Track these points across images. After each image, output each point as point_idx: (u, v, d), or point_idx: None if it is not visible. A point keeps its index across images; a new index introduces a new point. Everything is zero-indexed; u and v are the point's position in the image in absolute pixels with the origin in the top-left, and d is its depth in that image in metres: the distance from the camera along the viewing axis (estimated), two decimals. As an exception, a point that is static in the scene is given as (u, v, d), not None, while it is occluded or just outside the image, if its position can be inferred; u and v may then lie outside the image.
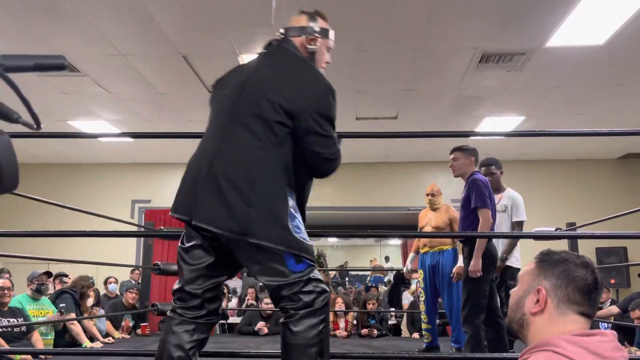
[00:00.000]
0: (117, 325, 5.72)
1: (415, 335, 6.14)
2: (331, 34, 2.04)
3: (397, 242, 14.50)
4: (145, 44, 4.66)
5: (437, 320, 4.84)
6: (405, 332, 6.50)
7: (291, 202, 1.81)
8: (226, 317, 7.09)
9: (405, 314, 6.71)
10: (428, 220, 4.75)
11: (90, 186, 8.76)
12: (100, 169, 8.88)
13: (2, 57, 0.54)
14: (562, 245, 5.75)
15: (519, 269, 4.21)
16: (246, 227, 1.71)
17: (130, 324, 5.93)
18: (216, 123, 1.93)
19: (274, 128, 1.79)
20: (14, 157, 0.54)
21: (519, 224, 4.22)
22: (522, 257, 4.63)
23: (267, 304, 6.35)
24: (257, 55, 2.02)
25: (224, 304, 7.32)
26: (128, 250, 8.16)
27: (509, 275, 4.15)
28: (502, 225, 4.21)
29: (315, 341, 1.75)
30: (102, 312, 5.77)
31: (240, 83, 1.90)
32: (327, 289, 1.85)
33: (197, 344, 1.87)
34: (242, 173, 1.75)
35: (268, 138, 1.79)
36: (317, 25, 2.00)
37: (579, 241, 6.09)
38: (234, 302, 7.85)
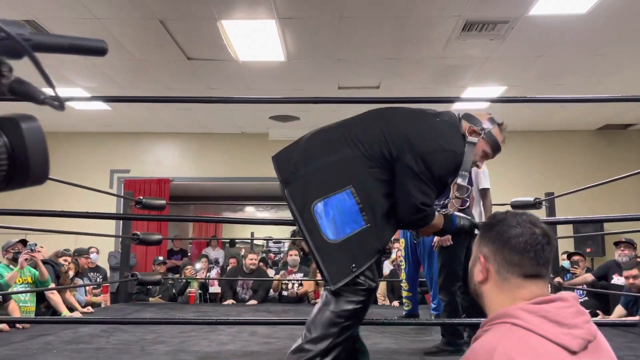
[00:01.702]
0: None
1: (395, 303, 6.23)
2: (497, 148, 2.19)
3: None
4: (121, 8, 4.51)
5: (417, 289, 4.91)
6: (380, 300, 6.58)
7: (344, 200, 1.90)
8: (206, 288, 7.10)
9: (380, 284, 6.79)
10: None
11: (67, 156, 8.60)
12: (77, 138, 8.71)
13: (30, 33, 0.50)
14: (540, 214, 5.83)
15: None
16: (289, 179, 2.00)
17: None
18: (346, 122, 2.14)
19: (379, 147, 1.96)
20: (44, 145, 0.49)
21: (485, 192, 4.19)
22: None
23: (251, 259, 6.45)
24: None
25: (204, 274, 7.32)
26: (108, 220, 8.06)
27: None
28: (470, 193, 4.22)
29: (348, 315, 1.91)
30: (83, 285, 5.73)
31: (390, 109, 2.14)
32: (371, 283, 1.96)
33: None
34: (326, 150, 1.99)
35: (368, 152, 1.96)
36: (490, 128, 2.15)
37: (558, 211, 6.19)
38: (214, 272, 7.85)
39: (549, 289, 4.45)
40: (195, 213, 13.12)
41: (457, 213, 2.26)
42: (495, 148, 2.19)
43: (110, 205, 8.18)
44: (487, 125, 2.14)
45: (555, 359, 1.01)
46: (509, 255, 1.13)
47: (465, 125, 2.11)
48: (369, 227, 1.90)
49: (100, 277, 6.46)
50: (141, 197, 4.25)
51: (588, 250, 7.44)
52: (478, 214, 4.11)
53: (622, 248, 5.08)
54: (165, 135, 8.83)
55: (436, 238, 4.31)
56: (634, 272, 4.50)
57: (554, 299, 1.09)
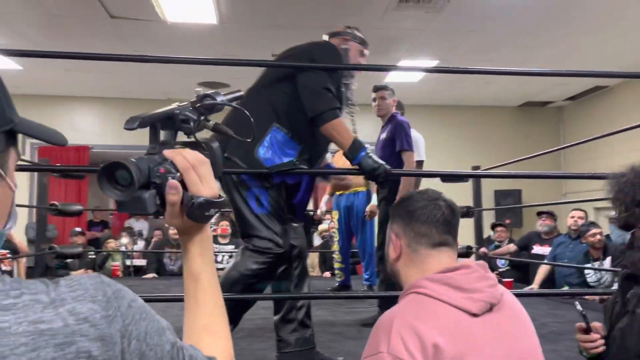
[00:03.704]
0: None
1: (327, 274, 6.26)
2: (364, 41, 2.54)
3: (306, 184, 14.62)
4: (35, -44, 4.08)
5: (350, 260, 4.93)
6: (310, 271, 6.61)
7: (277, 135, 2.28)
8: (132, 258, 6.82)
9: (310, 255, 6.81)
10: (343, 162, 4.71)
11: (-28, 119, 7.85)
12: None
13: (224, 95, 0.87)
14: (467, 188, 6.01)
15: None
16: None
17: None
18: None
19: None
20: (220, 152, 0.81)
21: (420, 164, 4.21)
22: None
23: (174, 230, 6.25)
24: None
25: (129, 247, 7.01)
26: (19, 188, 7.48)
27: None
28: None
29: (251, 274, 2.20)
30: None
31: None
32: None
33: None
34: None
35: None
36: (352, 32, 2.51)
37: (482, 184, 6.41)
38: (140, 245, 7.54)
39: (472, 258, 4.59)
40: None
41: (373, 156, 2.26)
42: (363, 41, 2.55)
43: (23, 174, 7.59)
44: (348, 30, 2.53)
45: (454, 321, 1.08)
46: (416, 227, 1.21)
47: (335, 41, 2.47)
48: (303, 147, 2.28)
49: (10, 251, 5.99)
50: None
51: (508, 221, 7.80)
52: (409, 186, 4.14)
53: (543, 218, 5.34)
54: (84, 100, 8.27)
55: (368, 208, 4.34)
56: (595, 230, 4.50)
57: (458, 267, 1.16)
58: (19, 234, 7.00)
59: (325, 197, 5.29)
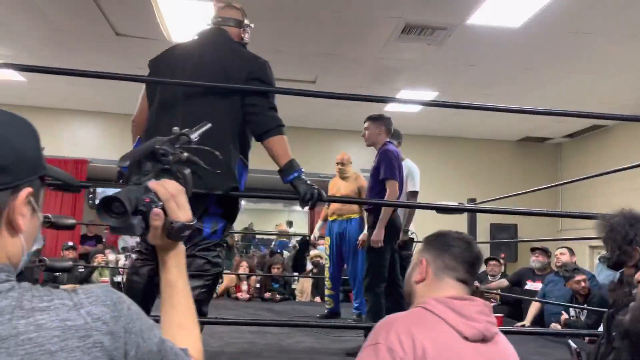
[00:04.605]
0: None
1: (317, 299, 6.21)
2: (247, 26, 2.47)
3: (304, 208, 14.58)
4: (44, -29, 4.15)
5: (340, 287, 4.90)
6: (298, 297, 6.55)
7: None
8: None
9: (300, 280, 6.77)
10: (337, 189, 4.74)
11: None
12: (-14, 109, 8.00)
13: (191, 132, 1.09)
14: (462, 220, 6.01)
15: (412, 239, 4.30)
16: None
17: None
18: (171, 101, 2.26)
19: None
20: (191, 178, 0.99)
21: (414, 194, 4.21)
22: (423, 230, 4.75)
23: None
24: (195, 38, 2.40)
25: (121, 262, 6.97)
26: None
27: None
28: (401, 195, 4.23)
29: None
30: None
31: (191, 66, 2.26)
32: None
33: None
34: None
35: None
36: (247, 21, 2.43)
37: (477, 217, 6.40)
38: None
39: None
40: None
41: (307, 180, 2.32)
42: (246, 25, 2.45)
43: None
44: (246, 21, 2.43)
45: (447, 337, 1.23)
46: (447, 260, 1.37)
47: (234, 31, 2.38)
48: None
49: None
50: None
51: (502, 255, 7.77)
52: (403, 216, 4.13)
53: (537, 254, 5.31)
54: (85, 114, 8.32)
55: (361, 237, 4.32)
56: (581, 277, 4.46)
57: (465, 298, 1.33)
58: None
59: (319, 223, 5.28)
